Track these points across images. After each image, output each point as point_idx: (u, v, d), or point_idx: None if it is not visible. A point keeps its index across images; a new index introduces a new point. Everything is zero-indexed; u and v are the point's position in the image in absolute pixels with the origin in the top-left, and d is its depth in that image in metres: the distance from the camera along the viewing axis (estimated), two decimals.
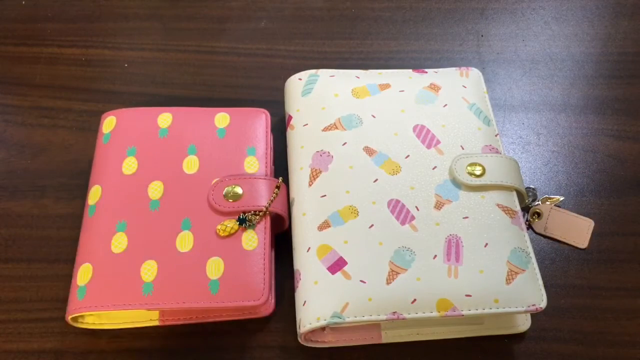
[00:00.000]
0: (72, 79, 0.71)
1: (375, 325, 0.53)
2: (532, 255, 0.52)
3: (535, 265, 0.51)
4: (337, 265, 0.50)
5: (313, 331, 0.52)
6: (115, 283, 0.51)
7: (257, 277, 0.52)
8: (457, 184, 0.55)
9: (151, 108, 0.61)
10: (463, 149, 0.57)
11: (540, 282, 0.50)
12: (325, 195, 0.54)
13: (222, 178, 0.56)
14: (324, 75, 0.62)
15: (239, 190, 0.55)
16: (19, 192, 0.62)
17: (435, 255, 0.51)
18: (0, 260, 0.58)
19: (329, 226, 0.52)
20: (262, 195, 0.55)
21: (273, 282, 0.55)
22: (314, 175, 0.56)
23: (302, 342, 0.52)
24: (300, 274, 0.52)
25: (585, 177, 0.64)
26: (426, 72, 0.64)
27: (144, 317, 0.53)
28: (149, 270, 0.51)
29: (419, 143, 0.57)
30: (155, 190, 0.55)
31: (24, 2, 0.78)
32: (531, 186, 0.62)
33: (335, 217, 0.53)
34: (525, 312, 0.49)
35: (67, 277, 0.54)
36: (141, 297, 0.50)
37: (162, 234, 0.53)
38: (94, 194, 0.56)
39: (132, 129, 0.59)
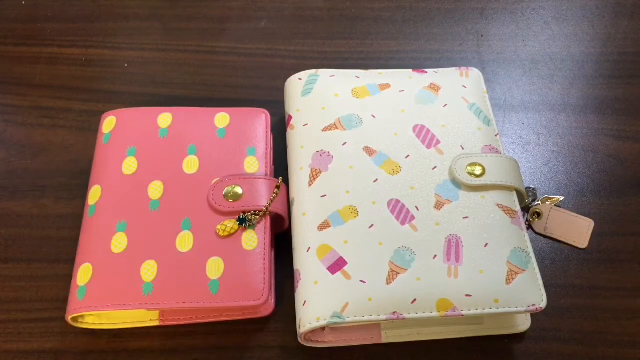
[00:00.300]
0: (72, 79, 0.71)
1: (375, 325, 0.53)
2: (532, 255, 0.52)
3: (535, 265, 0.51)
4: (337, 265, 0.50)
5: (313, 331, 0.52)
6: (115, 283, 0.51)
7: (257, 277, 0.52)
8: (457, 184, 0.55)
9: (151, 108, 0.61)
10: (463, 149, 0.57)
11: (540, 282, 0.50)
12: (325, 195, 0.54)
13: (222, 178, 0.56)
14: (324, 75, 0.62)
15: (239, 190, 0.55)
16: (19, 192, 0.62)
17: (435, 255, 0.51)
18: (0, 260, 0.58)
19: (329, 226, 0.52)
20: (262, 195, 0.55)
21: (273, 282, 0.55)
22: (314, 175, 0.56)
23: (302, 342, 0.52)
24: (300, 274, 0.52)
25: (585, 177, 0.64)
26: (426, 72, 0.64)
27: (144, 317, 0.53)
28: (149, 270, 0.51)
29: (419, 143, 0.57)
30: (155, 190, 0.55)
31: (24, 2, 0.78)
32: (531, 186, 0.62)
33: (335, 217, 0.53)
34: (525, 312, 0.49)
35: (67, 277, 0.54)
36: (141, 297, 0.50)
37: (162, 234, 0.53)
38: (94, 194, 0.56)
39: (132, 129, 0.59)
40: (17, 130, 0.66)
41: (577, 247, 0.59)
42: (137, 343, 0.53)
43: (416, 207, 0.53)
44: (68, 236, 0.58)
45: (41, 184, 0.62)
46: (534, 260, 0.52)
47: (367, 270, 0.50)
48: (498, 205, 0.54)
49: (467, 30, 0.76)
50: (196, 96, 0.70)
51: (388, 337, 0.53)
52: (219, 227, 0.53)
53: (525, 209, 0.60)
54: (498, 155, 0.57)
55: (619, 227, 0.61)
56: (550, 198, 0.61)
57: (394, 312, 0.48)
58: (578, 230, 0.60)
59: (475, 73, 0.64)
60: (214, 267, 0.52)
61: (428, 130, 0.58)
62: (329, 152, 0.56)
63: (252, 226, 0.54)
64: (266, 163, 0.58)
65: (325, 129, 0.58)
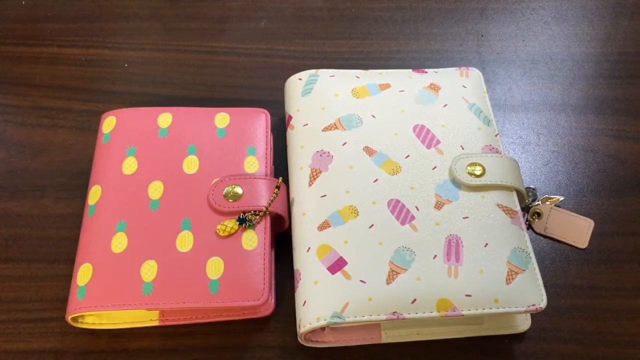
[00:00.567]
0: (72, 79, 0.71)
1: (375, 325, 0.53)
2: (532, 255, 0.52)
3: (535, 265, 0.51)
4: (337, 265, 0.50)
5: (313, 331, 0.52)
6: (115, 283, 0.51)
7: (257, 277, 0.52)
8: (457, 184, 0.55)
9: (151, 108, 0.61)
10: (463, 149, 0.57)
11: (540, 282, 0.50)
12: (325, 195, 0.54)
13: (222, 178, 0.56)
14: (324, 75, 0.62)
15: (239, 190, 0.55)
16: (19, 192, 0.62)
17: (435, 255, 0.51)
18: (0, 260, 0.58)
19: (329, 226, 0.52)
20: (262, 195, 0.55)
21: (273, 282, 0.55)
22: (314, 175, 0.56)
23: (302, 342, 0.52)
24: (300, 274, 0.52)
25: (585, 177, 0.64)
26: (426, 72, 0.64)
27: (144, 317, 0.53)
28: (149, 270, 0.51)
29: (419, 143, 0.57)
30: (155, 190, 0.55)
31: (24, 2, 0.78)
32: (531, 186, 0.62)
33: (335, 217, 0.53)
34: (525, 312, 0.49)
35: (67, 277, 0.54)
36: (141, 297, 0.50)
37: (162, 234, 0.53)
38: (94, 194, 0.56)
39: (132, 129, 0.59)
40: (17, 130, 0.66)
41: (577, 247, 0.59)
42: (137, 343, 0.53)
43: (416, 207, 0.53)
44: (68, 236, 0.58)
45: (41, 184, 0.62)
46: (534, 260, 0.52)
47: (367, 270, 0.50)
48: (498, 205, 0.54)
49: (467, 30, 0.76)
50: (196, 96, 0.70)
51: (388, 337, 0.53)
52: (219, 227, 0.53)
53: (525, 209, 0.60)
54: (498, 155, 0.57)
55: (619, 227, 0.61)
56: (550, 198, 0.61)
57: (394, 312, 0.48)
58: (578, 230, 0.60)
59: (475, 73, 0.64)
60: (214, 267, 0.52)
61: (428, 130, 0.58)
62: (329, 152, 0.56)
63: (252, 226, 0.54)
64: (266, 163, 0.58)
65: (325, 129, 0.58)
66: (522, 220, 0.54)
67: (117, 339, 0.53)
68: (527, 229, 0.58)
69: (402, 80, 0.62)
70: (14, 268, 0.57)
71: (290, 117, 0.61)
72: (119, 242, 0.52)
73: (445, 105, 0.60)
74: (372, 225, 0.52)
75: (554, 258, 0.59)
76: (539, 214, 0.60)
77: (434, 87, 0.61)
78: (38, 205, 0.61)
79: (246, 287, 0.51)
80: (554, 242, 0.60)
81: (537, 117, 0.69)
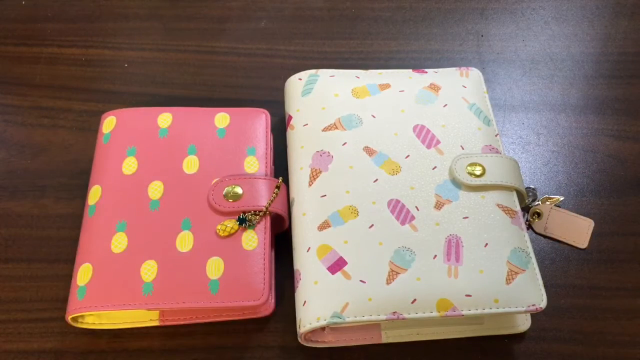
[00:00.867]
0: (72, 79, 0.71)
1: (375, 325, 0.53)
2: (532, 255, 0.52)
3: (535, 265, 0.51)
4: (337, 265, 0.50)
5: (313, 331, 0.52)
6: (115, 283, 0.51)
7: (257, 277, 0.52)
8: (457, 184, 0.55)
9: (151, 108, 0.61)
10: (463, 149, 0.57)
11: (540, 282, 0.50)
12: (325, 195, 0.54)
13: (222, 178, 0.56)
14: (324, 75, 0.62)
15: (239, 190, 0.55)
16: (19, 192, 0.62)
17: (435, 255, 0.51)
18: (0, 260, 0.58)
19: (329, 226, 0.52)
20: (262, 195, 0.55)
21: (273, 282, 0.55)
22: (314, 175, 0.56)
23: (302, 342, 0.52)
24: (300, 274, 0.52)
25: (585, 177, 0.64)
26: (426, 72, 0.64)
27: (144, 317, 0.53)
28: (148, 270, 0.51)
29: (419, 143, 0.57)
30: (155, 190, 0.55)
31: (24, 2, 0.78)
32: (531, 186, 0.62)
33: (335, 217, 0.53)
34: (525, 312, 0.49)
35: (67, 277, 0.54)
36: (141, 297, 0.50)
37: (162, 234, 0.53)
38: (94, 194, 0.56)
39: (132, 129, 0.59)
40: (17, 130, 0.66)
41: (577, 247, 0.59)
42: (137, 343, 0.53)
43: (416, 207, 0.53)
44: (68, 236, 0.58)
45: (41, 184, 0.62)
46: (534, 260, 0.52)
47: (367, 270, 0.50)
48: (498, 205, 0.54)
49: (467, 30, 0.76)
50: (196, 96, 0.70)
51: (388, 337, 0.53)
52: (219, 227, 0.53)
53: (525, 209, 0.60)
54: (498, 155, 0.57)
55: (619, 227, 0.61)
56: (550, 198, 0.61)
57: (394, 312, 0.48)
58: (578, 230, 0.60)
59: (475, 73, 0.64)
60: (214, 267, 0.52)
61: (428, 130, 0.58)
62: (329, 152, 0.56)
63: (252, 226, 0.54)
64: (266, 163, 0.58)
65: (325, 129, 0.58)
66: (522, 220, 0.54)
67: (117, 339, 0.53)
68: (527, 229, 0.58)
69: (402, 80, 0.62)
70: (14, 268, 0.57)
71: (290, 117, 0.61)
72: (119, 242, 0.52)
73: (445, 105, 0.60)
74: (372, 225, 0.52)
75: (554, 258, 0.59)
76: (539, 214, 0.60)
77: (434, 87, 0.61)
78: (38, 205, 0.61)
79: (246, 287, 0.51)
80: (554, 242, 0.60)
81: (537, 117, 0.69)
